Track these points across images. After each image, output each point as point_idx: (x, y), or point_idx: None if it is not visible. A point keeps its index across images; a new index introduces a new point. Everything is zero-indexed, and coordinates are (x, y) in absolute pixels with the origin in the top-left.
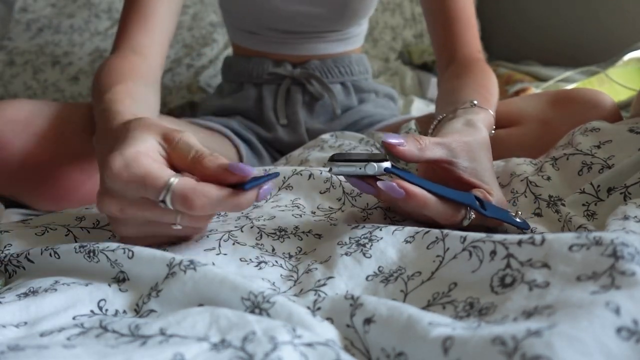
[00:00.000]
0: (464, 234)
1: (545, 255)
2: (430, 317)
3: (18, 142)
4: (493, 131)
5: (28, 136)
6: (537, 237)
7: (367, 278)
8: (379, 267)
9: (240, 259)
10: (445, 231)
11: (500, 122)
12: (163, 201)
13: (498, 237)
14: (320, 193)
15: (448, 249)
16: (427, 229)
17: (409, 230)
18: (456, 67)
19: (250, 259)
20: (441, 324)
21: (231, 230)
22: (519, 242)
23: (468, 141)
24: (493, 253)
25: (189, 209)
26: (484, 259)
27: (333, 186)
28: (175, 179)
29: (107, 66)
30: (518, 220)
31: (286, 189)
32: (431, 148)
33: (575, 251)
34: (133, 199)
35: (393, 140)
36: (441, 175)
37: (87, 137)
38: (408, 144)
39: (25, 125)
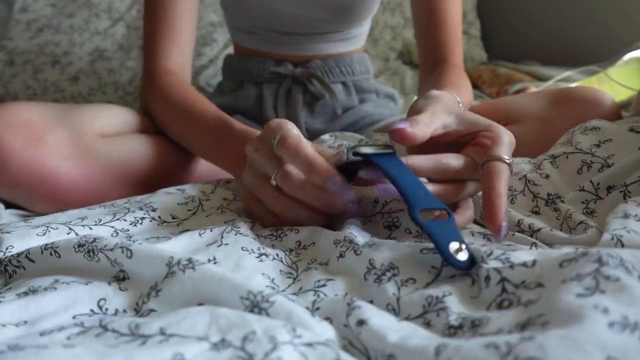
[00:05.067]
0: None
1: (538, 276)
2: (423, 333)
3: (18, 145)
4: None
5: (28, 139)
6: (528, 260)
7: (364, 277)
8: (370, 259)
9: (242, 248)
10: None
11: (500, 120)
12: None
13: (493, 263)
14: None
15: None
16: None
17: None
18: (437, 73)
19: (252, 249)
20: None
21: (234, 220)
22: (512, 266)
23: (437, 108)
24: (487, 279)
25: (285, 148)
26: (482, 287)
27: None
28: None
29: (174, 87)
30: (456, 257)
31: None
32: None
33: (566, 267)
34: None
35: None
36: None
37: (89, 140)
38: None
39: (26, 128)
